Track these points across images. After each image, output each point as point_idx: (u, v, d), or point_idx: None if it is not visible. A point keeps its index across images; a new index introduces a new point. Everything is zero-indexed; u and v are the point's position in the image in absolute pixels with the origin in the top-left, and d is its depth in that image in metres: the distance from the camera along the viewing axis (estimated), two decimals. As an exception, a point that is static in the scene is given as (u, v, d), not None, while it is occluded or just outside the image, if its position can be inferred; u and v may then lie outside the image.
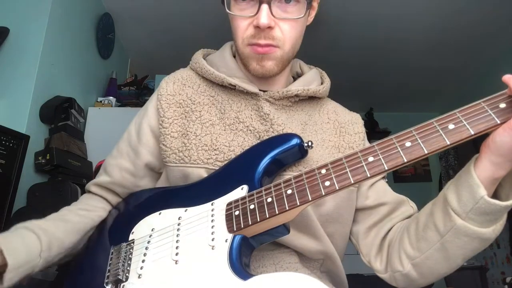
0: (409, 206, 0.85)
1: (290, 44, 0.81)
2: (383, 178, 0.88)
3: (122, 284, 0.69)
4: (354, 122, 0.91)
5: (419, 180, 4.38)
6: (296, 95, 0.86)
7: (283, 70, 0.86)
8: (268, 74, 0.82)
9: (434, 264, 0.71)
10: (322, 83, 0.93)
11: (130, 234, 0.77)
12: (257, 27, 0.76)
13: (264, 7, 0.75)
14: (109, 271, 0.72)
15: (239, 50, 0.82)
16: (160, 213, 0.77)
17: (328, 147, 0.84)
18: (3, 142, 1.47)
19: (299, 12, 0.79)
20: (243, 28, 0.79)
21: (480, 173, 0.60)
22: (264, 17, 0.74)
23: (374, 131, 4.06)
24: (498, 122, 0.55)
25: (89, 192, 0.92)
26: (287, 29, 0.79)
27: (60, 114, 1.96)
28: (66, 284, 0.78)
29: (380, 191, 0.86)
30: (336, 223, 0.81)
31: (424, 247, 0.70)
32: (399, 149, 0.59)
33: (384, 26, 2.98)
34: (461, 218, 0.63)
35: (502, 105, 0.55)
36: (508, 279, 2.17)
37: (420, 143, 0.58)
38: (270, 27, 0.76)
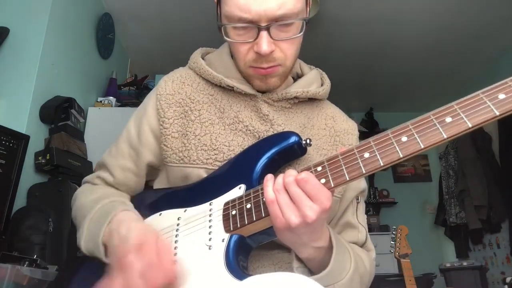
0: (356, 233, 0.84)
1: (291, 59, 0.81)
2: (356, 199, 0.87)
3: (122, 284, 0.69)
4: (350, 133, 0.90)
5: (419, 180, 4.38)
6: (296, 97, 0.85)
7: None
8: (272, 89, 0.83)
9: None
10: (322, 85, 0.93)
11: None
12: (257, 53, 0.76)
13: (264, 34, 0.73)
14: None
15: (241, 69, 0.82)
16: (160, 214, 0.77)
17: (322, 155, 0.83)
18: (3, 142, 1.47)
19: (297, 29, 0.77)
20: (243, 52, 0.78)
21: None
22: (264, 44, 0.73)
23: (374, 131, 4.07)
24: (497, 113, 0.53)
25: (93, 184, 0.90)
26: (287, 47, 0.78)
27: (60, 114, 1.96)
28: (69, 285, 0.78)
29: (347, 209, 0.86)
30: None
31: None
32: (395, 144, 0.58)
33: (384, 26, 2.98)
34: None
35: (501, 96, 0.53)
36: (508, 279, 2.17)
37: (417, 137, 0.56)
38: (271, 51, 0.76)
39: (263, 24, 0.73)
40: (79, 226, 0.79)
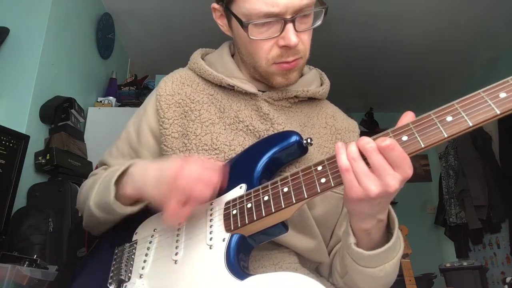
0: None
1: (308, 51, 0.81)
2: None
3: (124, 284, 0.69)
4: (351, 131, 0.91)
5: (419, 180, 4.38)
6: (296, 96, 0.86)
7: None
8: (291, 84, 0.84)
9: (353, 284, 0.75)
10: (321, 85, 0.93)
11: (134, 235, 0.78)
12: (284, 46, 0.76)
13: (290, 26, 0.74)
14: (112, 271, 0.72)
15: (261, 69, 0.81)
16: (162, 214, 0.77)
17: (323, 153, 0.84)
18: (3, 142, 1.47)
19: (312, 19, 0.79)
20: (267, 49, 0.78)
21: (352, 224, 0.67)
22: (293, 36, 0.74)
23: (374, 131, 4.06)
24: (498, 112, 0.52)
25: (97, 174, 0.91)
26: (306, 38, 0.79)
27: (60, 114, 1.96)
28: (72, 285, 0.78)
29: None
30: (322, 227, 0.81)
31: (344, 270, 0.75)
32: None
33: (384, 26, 2.98)
34: (349, 258, 0.69)
35: (502, 95, 0.52)
36: (508, 279, 2.17)
37: (417, 136, 0.56)
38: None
39: (289, 16, 0.73)
40: (89, 194, 0.80)
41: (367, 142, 0.56)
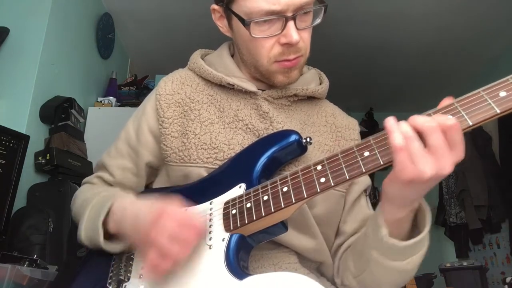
0: None
1: (309, 49, 0.82)
2: (364, 192, 0.87)
3: (124, 284, 0.69)
4: (351, 128, 0.91)
5: (419, 180, 4.37)
6: (295, 95, 0.86)
7: None
8: (292, 83, 0.84)
9: (372, 281, 0.74)
10: (320, 84, 0.93)
11: None
12: (286, 44, 0.76)
13: (291, 23, 0.74)
14: (112, 271, 0.72)
15: (263, 67, 0.81)
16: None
17: (324, 151, 0.84)
18: (3, 142, 1.47)
19: (311, 17, 0.79)
20: (268, 47, 0.78)
21: (385, 215, 0.64)
22: (294, 34, 0.74)
23: (374, 131, 4.04)
24: (498, 111, 0.52)
25: (92, 183, 0.91)
26: (307, 37, 0.80)
27: (60, 114, 1.96)
28: (71, 285, 0.78)
29: (360, 203, 0.86)
30: (324, 226, 0.81)
31: (362, 267, 0.73)
32: None
33: (384, 25, 2.98)
34: (377, 252, 0.67)
35: (502, 94, 0.52)
36: (508, 279, 2.17)
37: None
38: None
39: (290, 14, 0.74)
40: (81, 218, 0.80)
41: (427, 120, 0.53)
